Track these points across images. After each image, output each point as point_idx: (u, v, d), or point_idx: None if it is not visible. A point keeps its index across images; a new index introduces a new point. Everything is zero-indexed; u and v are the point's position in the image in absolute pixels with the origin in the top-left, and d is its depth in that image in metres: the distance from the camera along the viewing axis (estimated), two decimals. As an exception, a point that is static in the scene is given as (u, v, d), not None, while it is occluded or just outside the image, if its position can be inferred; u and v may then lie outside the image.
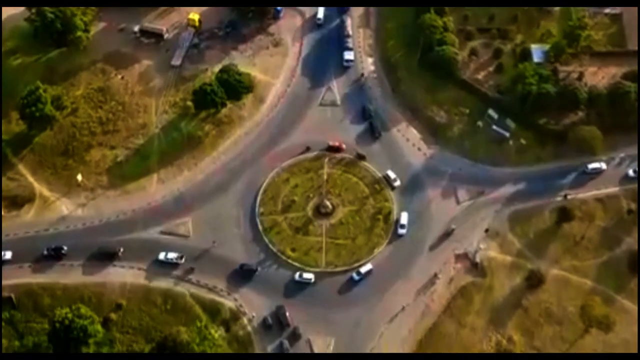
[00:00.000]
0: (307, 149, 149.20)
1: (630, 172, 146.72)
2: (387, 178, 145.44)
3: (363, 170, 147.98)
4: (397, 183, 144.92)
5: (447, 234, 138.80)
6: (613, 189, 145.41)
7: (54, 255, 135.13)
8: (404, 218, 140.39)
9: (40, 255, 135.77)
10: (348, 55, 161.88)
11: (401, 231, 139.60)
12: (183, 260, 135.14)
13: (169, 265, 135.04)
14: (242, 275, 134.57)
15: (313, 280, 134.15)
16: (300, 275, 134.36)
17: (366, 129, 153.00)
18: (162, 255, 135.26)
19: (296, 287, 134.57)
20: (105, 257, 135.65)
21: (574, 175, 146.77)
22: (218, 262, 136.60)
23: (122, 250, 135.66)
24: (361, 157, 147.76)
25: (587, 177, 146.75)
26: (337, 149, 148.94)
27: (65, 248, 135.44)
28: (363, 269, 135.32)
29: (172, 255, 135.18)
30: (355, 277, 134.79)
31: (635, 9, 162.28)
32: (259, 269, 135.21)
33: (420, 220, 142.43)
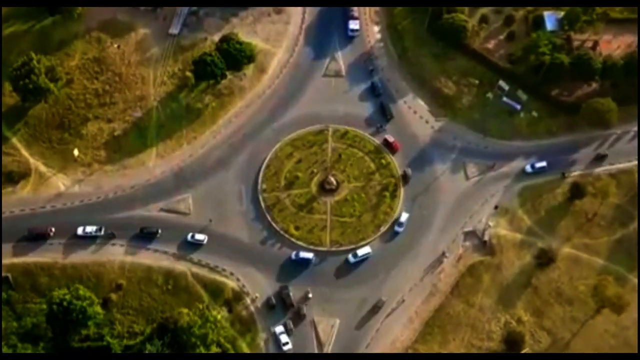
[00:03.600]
0: (380, 127, 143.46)
1: (528, 168, 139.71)
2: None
3: (369, 144, 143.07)
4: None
5: (378, 307, 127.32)
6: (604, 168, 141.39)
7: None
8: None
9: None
10: (353, 25, 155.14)
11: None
12: (102, 231, 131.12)
13: (89, 239, 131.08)
14: (144, 238, 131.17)
15: (206, 241, 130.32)
16: (193, 237, 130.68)
17: (374, 103, 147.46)
18: (80, 230, 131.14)
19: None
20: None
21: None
22: (219, 241, 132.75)
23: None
24: (406, 178, 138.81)
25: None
26: (392, 147, 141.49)
27: None
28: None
29: (90, 228, 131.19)
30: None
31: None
32: (159, 231, 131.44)
33: (428, 197, 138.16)
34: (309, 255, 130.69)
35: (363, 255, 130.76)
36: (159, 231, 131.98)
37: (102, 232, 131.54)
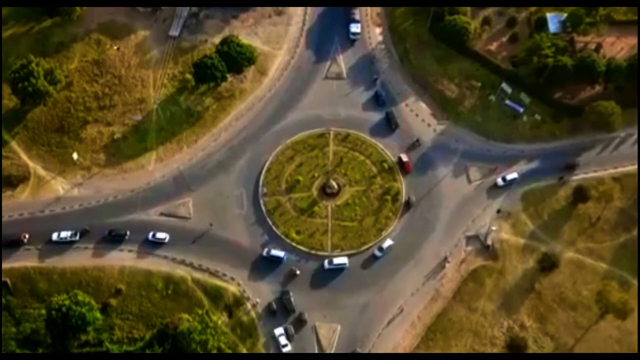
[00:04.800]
0: (417, 141, 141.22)
1: (500, 181, 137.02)
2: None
3: (370, 147, 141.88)
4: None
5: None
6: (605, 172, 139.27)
7: None
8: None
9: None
10: (354, 28, 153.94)
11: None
12: (77, 236, 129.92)
13: (64, 244, 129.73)
14: (111, 241, 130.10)
15: (167, 240, 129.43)
16: (154, 235, 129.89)
17: (376, 108, 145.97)
18: (55, 236, 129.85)
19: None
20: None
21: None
22: (220, 245, 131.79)
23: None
24: (408, 205, 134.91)
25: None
26: (404, 167, 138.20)
27: None
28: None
29: (65, 234, 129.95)
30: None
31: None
32: (128, 233, 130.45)
33: (430, 201, 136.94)
34: (280, 253, 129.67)
35: (338, 264, 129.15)
36: (127, 233, 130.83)
37: (78, 237, 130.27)
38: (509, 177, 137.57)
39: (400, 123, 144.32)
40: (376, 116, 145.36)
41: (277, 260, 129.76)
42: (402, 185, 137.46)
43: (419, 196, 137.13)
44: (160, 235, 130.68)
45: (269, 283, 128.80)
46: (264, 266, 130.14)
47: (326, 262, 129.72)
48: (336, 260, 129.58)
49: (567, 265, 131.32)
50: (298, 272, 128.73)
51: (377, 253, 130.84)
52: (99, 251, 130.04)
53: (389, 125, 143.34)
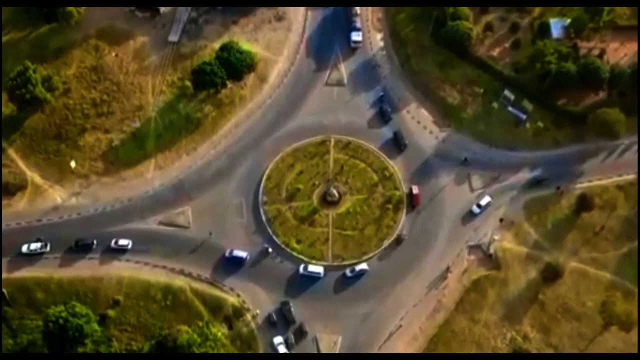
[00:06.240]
0: (465, 160, 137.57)
1: (475, 208, 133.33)
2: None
3: (371, 155, 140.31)
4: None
5: None
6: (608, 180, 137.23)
7: None
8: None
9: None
10: (355, 37, 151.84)
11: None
12: (48, 248, 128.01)
13: (33, 256, 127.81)
14: (78, 251, 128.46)
15: (130, 246, 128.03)
16: (116, 242, 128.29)
17: (378, 116, 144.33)
18: (24, 248, 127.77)
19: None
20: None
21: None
22: (219, 255, 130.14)
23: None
24: (399, 240, 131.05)
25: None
26: (412, 199, 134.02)
27: None
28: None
29: (34, 245, 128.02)
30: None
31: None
32: (94, 242, 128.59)
33: (432, 209, 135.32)
34: (243, 253, 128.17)
35: (313, 272, 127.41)
36: (95, 242, 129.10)
37: (48, 248, 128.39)
38: (483, 202, 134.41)
39: (397, 122, 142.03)
40: (379, 125, 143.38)
41: (238, 261, 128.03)
42: (397, 172, 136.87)
43: (420, 205, 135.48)
44: (123, 242, 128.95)
45: (268, 293, 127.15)
46: (264, 274, 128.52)
47: (301, 267, 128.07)
48: (311, 268, 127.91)
49: (571, 275, 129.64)
50: (270, 249, 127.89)
51: (348, 273, 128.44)
52: (67, 261, 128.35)
53: (397, 145, 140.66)
